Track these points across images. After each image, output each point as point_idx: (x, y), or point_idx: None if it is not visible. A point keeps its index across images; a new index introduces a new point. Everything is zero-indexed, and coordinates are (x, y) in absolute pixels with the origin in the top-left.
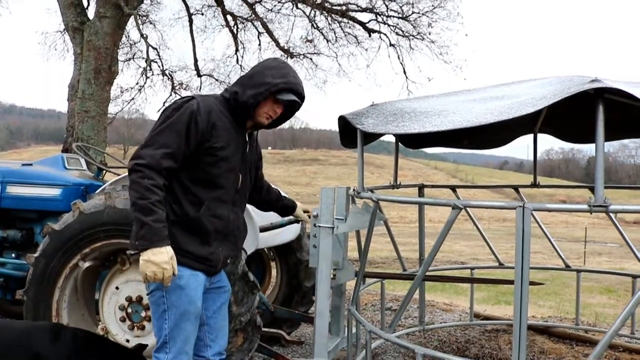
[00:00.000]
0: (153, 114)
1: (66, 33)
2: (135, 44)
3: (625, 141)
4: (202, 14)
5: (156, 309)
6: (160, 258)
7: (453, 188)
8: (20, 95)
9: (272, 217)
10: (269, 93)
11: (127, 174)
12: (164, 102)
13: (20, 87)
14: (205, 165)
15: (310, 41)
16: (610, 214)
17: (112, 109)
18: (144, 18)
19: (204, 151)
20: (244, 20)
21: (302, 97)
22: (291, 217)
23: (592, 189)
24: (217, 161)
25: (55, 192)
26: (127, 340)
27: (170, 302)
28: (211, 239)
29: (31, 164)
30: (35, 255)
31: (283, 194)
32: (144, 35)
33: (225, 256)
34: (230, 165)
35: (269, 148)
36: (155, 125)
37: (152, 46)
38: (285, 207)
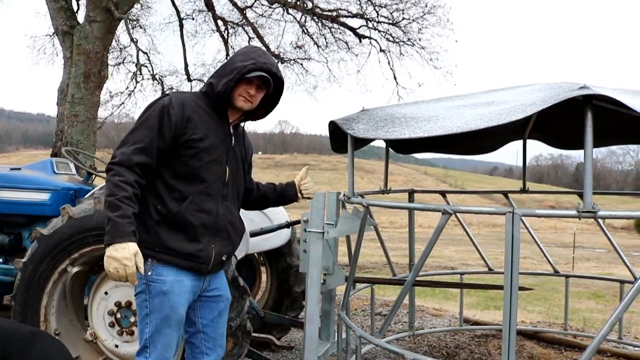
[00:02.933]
0: None
1: (55, 37)
2: (125, 48)
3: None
4: (193, 19)
5: (140, 312)
6: (122, 254)
7: (443, 193)
8: (8, 98)
9: (262, 222)
10: (239, 75)
11: None
12: None
13: (9, 90)
14: (185, 159)
15: (301, 47)
16: (599, 219)
17: (102, 113)
18: (135, 22)
19: (182, 144)
20: (235, 25)
21: (274, 75)
22: (281, 222)
23: (580, 195)
24: (196, 153)
25: (44, 196)
26: (116, 346)
27: (153, 307)
28: (199, 235)
29: (20, 168)
30: (24, 260)
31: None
32: (134, 40)
33: (219, 252)
34: (212, 157)
35: (260, 153)
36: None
37: (142, 50)
38: (282, 194)
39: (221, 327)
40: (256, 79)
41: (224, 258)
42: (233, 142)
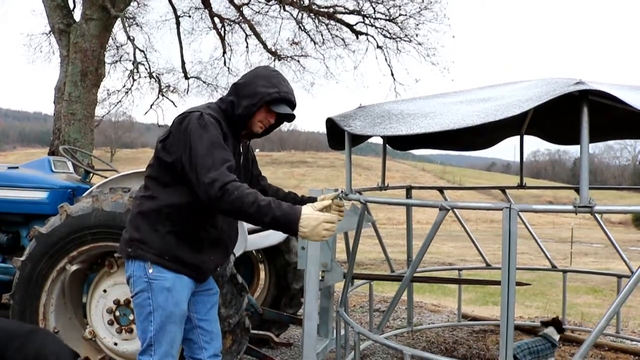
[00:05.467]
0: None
1: (52, 35)
2: (122, 46)
3: (611, 142)
4: (190, 17)
5: (141, 311)
6: (314, 221)
7: (440, 189)
8: (5, 97)
9: None
10: (263, 103)
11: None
12: (151, 105)
13: (6, 89)
14: None
15: (298, 43)
16: (596, 214)
17: (99, 111)
18: (131, 20)
19: None
20: (232, 23)
21: (294, 106)
22: None
23: (577, 190)
24: None
25: (42, 195)
26: (115, 344)
27: (157, 304)
28: (204, 248)
29: (17, 167)
30: (22, 258)
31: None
32: (131, 38)
33: (216, 264)
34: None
35: (257, 150)
36: (191, 144)
37: (139, 48)
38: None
39: (215, 321)
40: None
41: (218, 268)
42: (242, 158)
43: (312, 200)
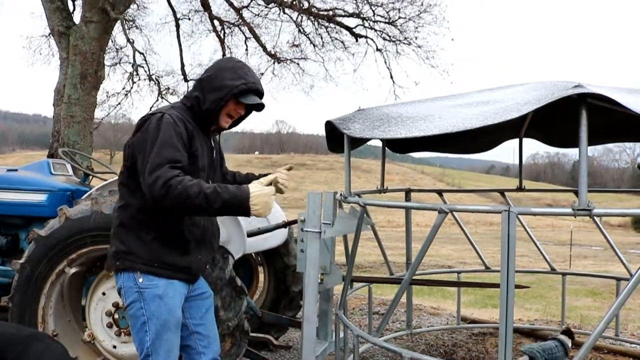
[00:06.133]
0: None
1: (51, 37)
2: (121, 48)
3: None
4: (189, 19)
5: (135, 322)
6: (261, 197)
7: (439, 192)
8: (4, 99)
9: (259, 222)
10: (231, 95)
11: (116, 183)
12: (151, 107)
13: (5, 91)
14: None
15: (297, 46)
16: (595, 217)
17: (99, 113)
18: (131, 23)
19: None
20: (231, 25)
21: (262, 95)
22: (278, 222)
23: (576, 193)
24: (197, 170)
25: (41, 197)
26: (114, 347)
27: (150, 313)
28: (191, 248)
29: (16, 170)
30: (21, 261)
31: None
32: (131, 40)
33: (204, 262)
34: (205, 173)
35: (256, 153)
36: (146, 146)
37: (138, 51)
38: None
39: (211, 324)
40: None
41: (207, 266)
42: (214, 154)
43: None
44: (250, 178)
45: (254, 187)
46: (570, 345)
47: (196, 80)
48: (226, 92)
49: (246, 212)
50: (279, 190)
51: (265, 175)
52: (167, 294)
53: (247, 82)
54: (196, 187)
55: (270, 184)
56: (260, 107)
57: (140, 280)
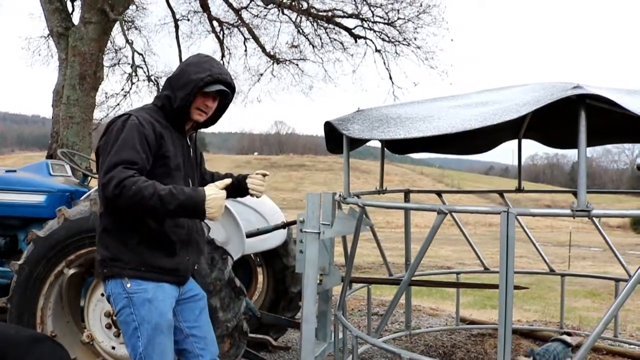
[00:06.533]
0: None
1: (50, 38)
2: (120, 49)
3: (609, 146)
4: (188, 20)
5: (127, 328)
6: (217, 201)
7: (439, 193)
8: (3, 100)
9: (258, 223)
10: (197, 89)
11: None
12: None
13: (4, 92)
14: (160, 178)
15: (296, 47)
16: (594, 218)
17: (97, 114)
18: (130, 24)
19: (155, 163)
20: (230, 26)
21: (230, 86)
22: (277, 222)
23: (575, 194)
24: (169, 171)
25: (39, 198)
26: (113, 348)
27: (141, 318)
28: (177, 249)
29: (15, 171)
30: (20, 262)
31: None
32: (130, 41)
33: (192, 263)
34: (180, 173)
35: (256, 154)
36: (107, 148)
37: (137, 52)
38: (236, 186)
39: (207, 325)
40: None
41: (196, 267)
42: (191, 153)
43: (243, 180)
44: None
45: (210, 190)
46: (573, 343)
47: (166, 80)
48: (192, 87)
49: (201, 215)
50: (253, 195)
51: (245, 176)
52: (156, 298)
53: (213, 73)
54: (151, 188)
55: (224, 188)
56: (229, 95)
57: (129, 285)
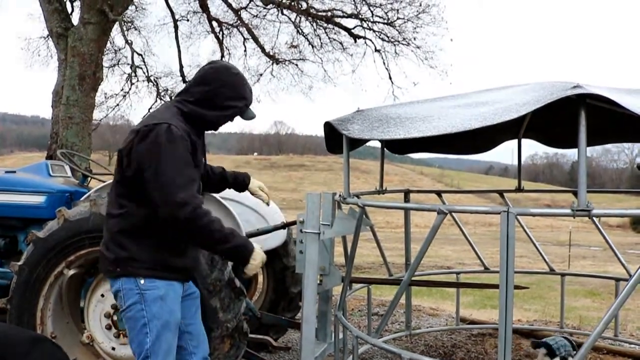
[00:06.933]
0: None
1: (50, 39)
2: (120, 50)
3: (608, 146)
4: (188, 20)
5: (135, 324)
6: (260, 257)
7: (438, 193)
8: (2, 101)
9: (258, 223)
10: (235, 116)
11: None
12: (149, 109)
13: (3, 93)
14: None
15: (296, 46)
16: (594, 217)
17: (97, 115)
18: (129, 24)
19: None
20: (230, 26)
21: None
22: (277, 223)
23: (575, 194)
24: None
25: (39, 199)
26: (113, 348)
27: (152, 314)
28: (186, 250)
29: (15, 171)
30: (19, 263)
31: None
32: (129, 42)
33: (194, 260)
34: (200, 172)
35: (255, 154)
36: (159, 159)
37: (137, 52)
38: (236, 180)
39: (200, 324)
40: None
41: (195, 263)
42: (205, 153)
43: (245, 176)
44: (224, 175)
45: (257, 246)
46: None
47: (192, 87)
48: (231, 113)
49: (244, 263)
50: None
51: (242, 174)
52: (168, 295)
53: (248, 101)
54: (217, 225)
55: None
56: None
57: (142, 282)
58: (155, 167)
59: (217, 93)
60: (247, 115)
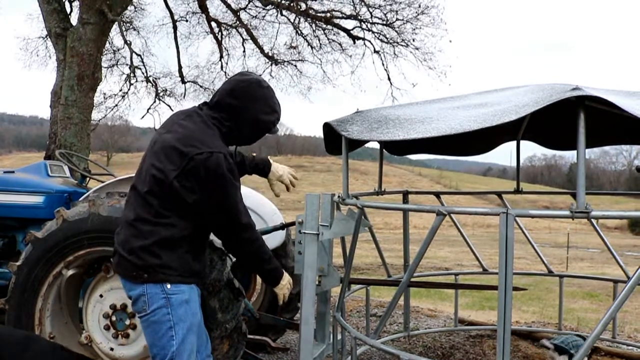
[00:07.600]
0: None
1: (48, 39)
2: (119, 50)
3: (607, 148)
4: (187, 21)
5: (159, 328)
6: (288, 283)
7: (437, 194)
8: (1, 101)
9: (257, 224)
10: (267, 130)
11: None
12: (148, 109)
13: (1, 93)
14: None
15: (295, 48)
16: (592, 219)
17: (96, 115)
18: (128, 24)
19: None
20: (229, 27)
21: None
22: (276, 223)
23: (574, 195)
24: None
25: (38, 199)
26: (112, 349)
27: (178, 318)
28: (203, 255)
29: (13, 171)
30: (18, 263)
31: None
32: (128, 42)
33: (206, 263)
34: None
35: (254, 154)
36: (229, 192)
37: (136, 52)
38: (257, 166)
39: (202, 323)
40: None
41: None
42: None
43: (265, 162)
44: (242, 160)
45: (286, 274)
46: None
47: (222, 99)
48: (263, 128)
49: (275, 284)
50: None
51: (263, 162)
52: (192, 299)
53: (279, 115)
54: (266, 247)
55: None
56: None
57: (168, 287)
58: (224, 197)
59: (250, 108)
60: (274, 130)
